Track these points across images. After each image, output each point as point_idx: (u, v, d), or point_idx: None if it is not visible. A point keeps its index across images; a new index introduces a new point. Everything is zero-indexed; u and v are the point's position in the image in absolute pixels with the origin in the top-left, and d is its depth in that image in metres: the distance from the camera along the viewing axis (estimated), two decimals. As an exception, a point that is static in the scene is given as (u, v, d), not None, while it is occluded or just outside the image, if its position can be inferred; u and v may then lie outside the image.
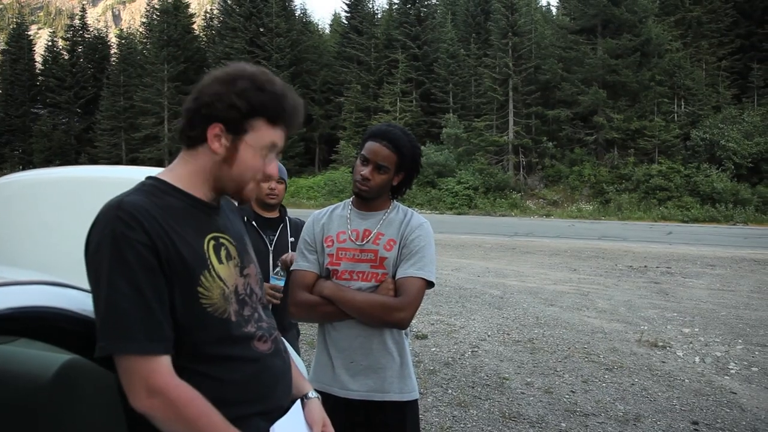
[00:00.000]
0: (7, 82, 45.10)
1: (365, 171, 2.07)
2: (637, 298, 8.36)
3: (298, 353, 2.85)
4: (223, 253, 1.30)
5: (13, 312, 1.18)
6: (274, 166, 1.35)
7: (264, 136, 1.30)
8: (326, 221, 2.19)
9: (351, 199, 2.22)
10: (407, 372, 2.12)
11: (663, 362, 5.39)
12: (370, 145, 2.08)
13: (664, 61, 28.29)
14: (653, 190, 25.18)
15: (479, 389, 4.65)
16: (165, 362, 1.16)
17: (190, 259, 1.22)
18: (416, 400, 2.14)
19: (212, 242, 1.29)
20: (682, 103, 28.72)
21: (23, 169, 40.44)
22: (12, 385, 1.78)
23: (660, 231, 18.72)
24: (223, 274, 1.28)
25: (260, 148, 1.30)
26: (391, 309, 1.98)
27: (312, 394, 1.54)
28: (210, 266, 1.25)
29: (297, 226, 2.97)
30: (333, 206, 2.26)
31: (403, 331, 2.13)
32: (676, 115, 28.41)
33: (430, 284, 2.07)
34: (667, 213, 23.58)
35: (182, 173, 1.32)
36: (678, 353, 5.68)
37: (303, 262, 2.14)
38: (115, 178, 2.53)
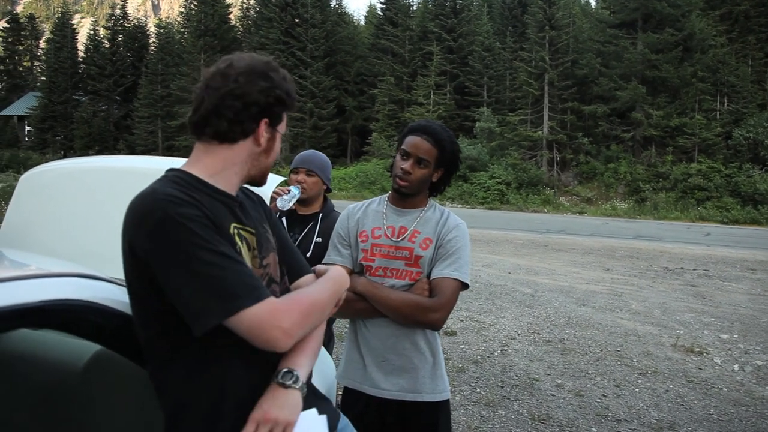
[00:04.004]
0: (51, 69, 46.21)
1: (406, 165, 2.04)
2: (673, 300, 8.14)
3: (330, 353, 2.84)
4: (244, 243, 1.31)
5: (44, 305, 1.19)
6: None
7: (284, 124, 1.41)
8: (361, 216, 2.17)
9: (387, 194, 2.21)
10: (440, 372, 2.11)
11: (699, 369, 5.24)
12: (411, 140, 2.07)
13: (708, 56, 27.37)
14: (692, 190, 24.48)
15: (508, 389, 4.58)
16: (274, 300, 1.21)
17: (228, 238, 1.24)
18: (448, 400, 2.13)
19: (236, 230, 1.30)
20: (725, 101, 27.76)
21: (64, 154, 41.56)
22: (46, 370, 1.81)
23: (698, 232, 18.22)
24: (248, 261, 1.29)
25: (282, 134, 1.41)
26: (426, 309, 1.96)
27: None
28: (239, 250, 1.27)
29: (329, 226, 2.86)
30: (369, 201, 2.25)
31: (436, 331, 2.12)
32: (718, 112, 27.47)
33: (464, 286, 2.05)
34: (705, 213, 22.89)
35: (212, 166, 1.33)
36: (715, 360, 5.51)
37: (336, 256, 2.13)
38: (148, 169, 2.55)
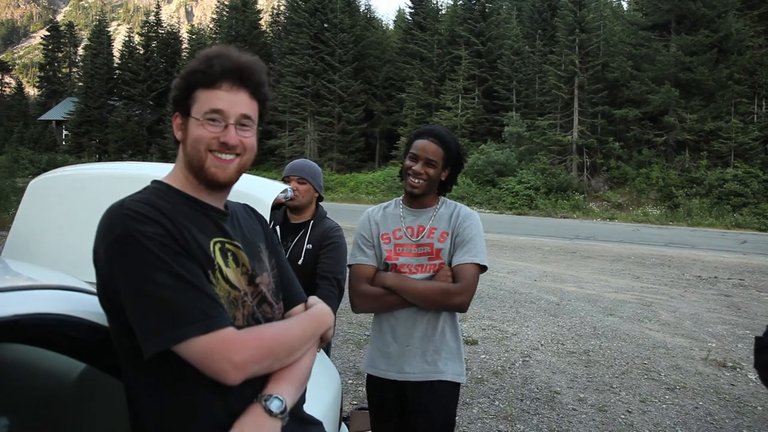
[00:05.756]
0: (87, 75, 47.46)
1: (416, 166, 2.20)
2: (705, 311, 7.86)
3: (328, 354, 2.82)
4: (230, 257, 1.26)
5: (18, 318, 1.15)
6: (229, 133, 1.25)
7: (203, 102, 1.24)
8: (380, 219, 2.34)
9: (401, 197, 2.37)
10: (459, 355, 2.28)
11: (732, 385, 5.01)
12: (418, 143, 2.23)
13: (745, 58, 26.53)
14: (727, 196, 23.74)
15: (528, 402, 4.45)
16: (230, 331, 1.14)
17: (199, 255, 1.18)
18: (460, 384, 2.31)
19: (218, 245, 1.24)
20: (763, 104, 26.91)
21: (99, 158, 42.52)
22: (40, 381, 1.79)
23: (733, 239, 17.64)
24: (231, 277, 1.24)
25: (201, 115, 1.24)
26: (451, 294, 2.13)
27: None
28: (217, 266, 1.21)
29: (321, 233, 2.84)
30: (384, 204, 2.42)
31: (458, 317, 2.30)
32: (755, 116, 26.62)
33: (483, 268, 2.21)
34: (741, 220, 22.16)
35: (175, 174, 1.31)
36: (750, 376, 5.26)
37: (362, 256, 2.28)
38: (157, 177, 2.53)
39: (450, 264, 2.20)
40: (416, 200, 2.28)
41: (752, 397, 4.74)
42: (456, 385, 2.26)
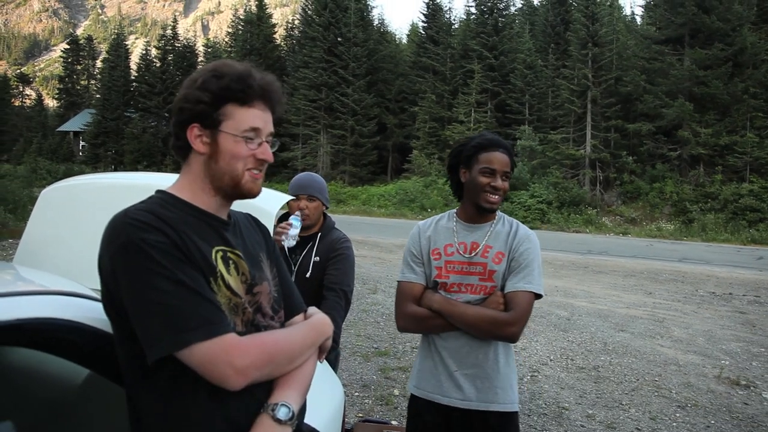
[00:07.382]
0: (105, 87, 48.27)
1: (497, 182, 2.09)
2: (719, 328, 7.75)
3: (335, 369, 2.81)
4: (231, 265, 1.28)
5: (21, 323, 1.17)
6: (267, 151, 1.32)
7: (240, 120, 1.28)
8: (432, 233, 2.21)
9: (455, 210, 2.25)
10: (511, 383, 2.13)
11: (745, 404, 4.93)
12: (493, 156, 2.10)
13: (760, 72, 26.28)
14: (743, 211, 23.42)
15: (535, 418, 4.41)
16: (232, 337, 1.16)
17: (201, 263, 1.21)
18: (517, 413, 2.14)
19: (219, 253, 1.27)
20: (780, 118, 26.62)
21: (115, 168, 43.06)
22: (48, 385, 1.82)
23: (749, 255, 17.40)
24: (233, 284, 1.26)
25: (240, 132, 1.28)
26: (502, 324, 2.01)
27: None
28: (219, 274, 1.23)
29: (329, 244, 2.85)
30: (437, 217, 2.29)
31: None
32: (772, 130, 26.36)
33: (538, 296, 2.09)
34: (758, 236, 21.83)
35: (183, 185, 1.33)
36: (764, 395, 5.18)
37: (410, 273, 2.19)
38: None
39: (503, 289, 2.08)
40: (481, 215, 2.16)
41: (766, 417, 4.66)
42: (510, 415, 2.11)
